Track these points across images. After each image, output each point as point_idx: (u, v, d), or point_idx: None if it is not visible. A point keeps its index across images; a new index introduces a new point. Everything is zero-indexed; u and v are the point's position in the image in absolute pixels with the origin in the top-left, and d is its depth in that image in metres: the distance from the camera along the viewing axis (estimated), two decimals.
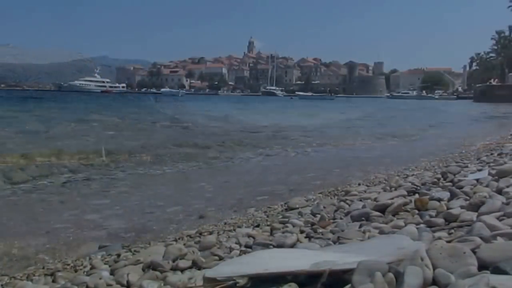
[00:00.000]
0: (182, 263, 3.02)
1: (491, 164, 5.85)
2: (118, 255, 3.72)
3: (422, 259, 1.85)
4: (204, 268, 2.89)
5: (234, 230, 4.21)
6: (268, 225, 4.17)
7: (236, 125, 21.36)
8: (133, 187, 7.20)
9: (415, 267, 1.80)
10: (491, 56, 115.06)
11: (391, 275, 1.82)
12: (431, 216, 3.30)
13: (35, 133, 15.68)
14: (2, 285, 3.28)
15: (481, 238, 2.23)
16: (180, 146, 12.34)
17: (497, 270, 1.78)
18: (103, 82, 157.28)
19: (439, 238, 2.53)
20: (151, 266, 3.00)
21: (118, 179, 7.89)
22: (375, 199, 4.39)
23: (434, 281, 1.79)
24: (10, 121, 20.21)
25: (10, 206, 6.05)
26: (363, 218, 3.71)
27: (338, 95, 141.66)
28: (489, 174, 4.61)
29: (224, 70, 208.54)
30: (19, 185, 7.22)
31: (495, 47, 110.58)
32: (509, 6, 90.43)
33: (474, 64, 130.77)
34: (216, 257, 3.18)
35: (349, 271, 1.93)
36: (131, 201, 6.28)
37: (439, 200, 3.72)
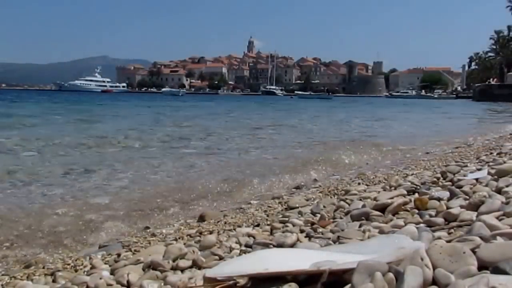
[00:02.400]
0: (182, 263, 3.02)
1: (491, 164, 5.84)
2: (118, 255, 3.72)
3: (422, 259, 1.85)
4: (204, 267, 2.89)
5: (234, 229, 4.21)
6: (268, 225, 4.17)
7: None
8: None
9: (415, 267, 1.80)
10: (490, 56, 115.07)
11: (391, 275, 1.82)
12: (430, 216, 3.30)
13: None
14: (2, 285, 3.29)
15: (480, 238, 2.23)
16: None
17: (497, 270, 1.78)
18: (104, 81, 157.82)
19: (439, 237, 2.53)
20: (151, 266, 3.00)
21: None
22: (375, 199, 4.38)
23: (434, 281, 1.79)
24: None
25: None
26: (363, 218, 3.70)
27: (337, 95, 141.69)
28: (489, 173, 4.61)
29: (224, 70, 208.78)
30: None
31: (494, 47, 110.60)
32: (508, 6, 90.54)
33: (473, 63, 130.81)
34: (216, 257, 3.18)
35: (349, 271, 1.94)
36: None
37: (439, 199, 3.72)
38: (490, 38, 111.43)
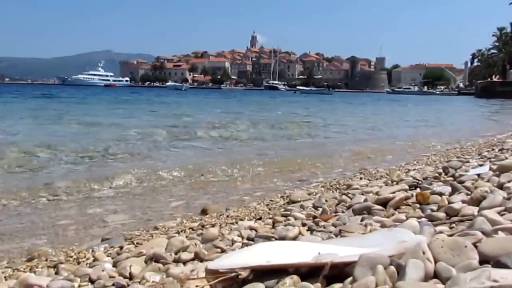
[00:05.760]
0: (184, 255, 3.03)
1: (492, 160, 5.85)
2: (121, 248, 3.74)
3: (423, 253, 1.86)
4: (206, 260, 2.90)
5: (236, 223, 4.22)
6: (270, 218, 4.18)
7: None
8: None
9: (416, 260, 1.81)
10: (493, 53, 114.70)
11: (392, 268, 1.83)
12: (432, 210, 3.31)
13: None
14: (5, 277, 3.30)
15: (482, 232, 2.23)
16: None
17: (499, 264, 1.79)
18: (107, 76, 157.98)
19: (441, 232, 2.53)
20: (154, 258, 3.02)
21: None
22: (376, 193, 4.39)
23: (436, 275, 1.80)
24: None
25: None
26: (364, 212, 3.72)
27: (338, 90, 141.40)
28: (490, 169, 4.61)
29: (227, 64, 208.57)
30: None
31: (497, 44, 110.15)
32: (511, 3, 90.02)
33: (475, 60, 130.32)
34: (218, 250, 3.19)
35: (351, 264, 1.95)
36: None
37: (441, 194, 3.72)
38: (493, 35, 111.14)
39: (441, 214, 3.11)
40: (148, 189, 6.69)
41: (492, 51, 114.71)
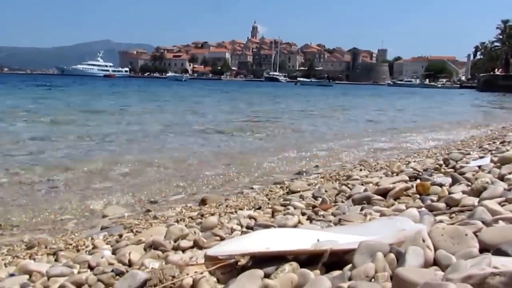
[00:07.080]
0: (183, 243, 3.03)
1: (493, 152, 5.84)
2: (120, 236, 3.75)
3: (423, 240, 1.86)
4: (205, 248, 2.90)
5: (236, 212, 4.23)
6: (269, 208, 4.18)
7: None
8: None
9: (416, 248, 1.80)
10: (496, 46, 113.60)
11: (392, 255, 1.82)
12: (432, 201, 3.30)
13: None
14: (5, 264, 3.30)
15: (482, 222, 2.23)
16: None
17: (499, 252, 1.79)
18: (106, 66, 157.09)
19: (441, 221, 2.53)
20: (153, 246, 3.02)
21: None
22: (376, 184, 4.39)
23: (435, 262, 1.79)
24: None
25: None
26: (364, 202, 3.71)
27: (339, 82, 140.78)
28: (491, 161, 4.60)
29: (227, 55, 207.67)
30: None
31: (500, 37, 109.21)
32: None
33: (478, 53, 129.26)
34: (218, 238, 3.19)
35: (350, 252, 1.94)
36: None
37: (441, 185, 3.71)
38: (497, 28, 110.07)
39: (441, 205, 3.11)
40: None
41: (496, 44, 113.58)
